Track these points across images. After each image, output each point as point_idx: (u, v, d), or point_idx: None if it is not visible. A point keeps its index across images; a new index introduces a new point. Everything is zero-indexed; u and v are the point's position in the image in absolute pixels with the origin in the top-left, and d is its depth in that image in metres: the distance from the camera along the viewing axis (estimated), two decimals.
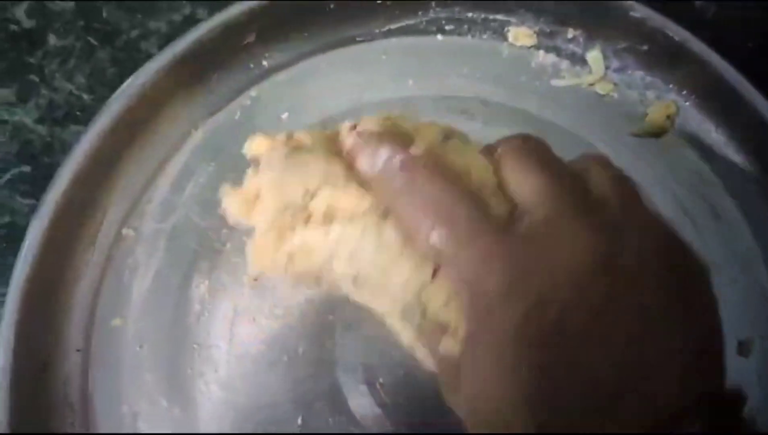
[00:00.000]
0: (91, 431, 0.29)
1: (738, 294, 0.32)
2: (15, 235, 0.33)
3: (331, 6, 0.34)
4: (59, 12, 0.38)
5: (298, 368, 0.30)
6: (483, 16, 0.35)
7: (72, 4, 0.38)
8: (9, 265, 0.29)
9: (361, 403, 0.30)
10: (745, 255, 0.33)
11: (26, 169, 0.35)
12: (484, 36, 0.35)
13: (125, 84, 0.32)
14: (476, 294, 0.19)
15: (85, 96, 0.37)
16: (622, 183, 0.21)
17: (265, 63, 0.34)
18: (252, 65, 0.35)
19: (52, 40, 0.38)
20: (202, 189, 0.33)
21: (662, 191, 0.34)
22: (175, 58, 0.32)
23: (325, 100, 0.35)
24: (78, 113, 0.36)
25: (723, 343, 0.21)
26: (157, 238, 0.32)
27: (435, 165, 0.20)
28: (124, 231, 0.32)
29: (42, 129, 0.36)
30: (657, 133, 0.34)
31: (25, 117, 0.36)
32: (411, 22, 0.35)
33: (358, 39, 0.35)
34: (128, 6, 0.39)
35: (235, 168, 0.33)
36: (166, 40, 0.37)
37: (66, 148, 0.34)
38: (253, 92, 0.35)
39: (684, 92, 0.34)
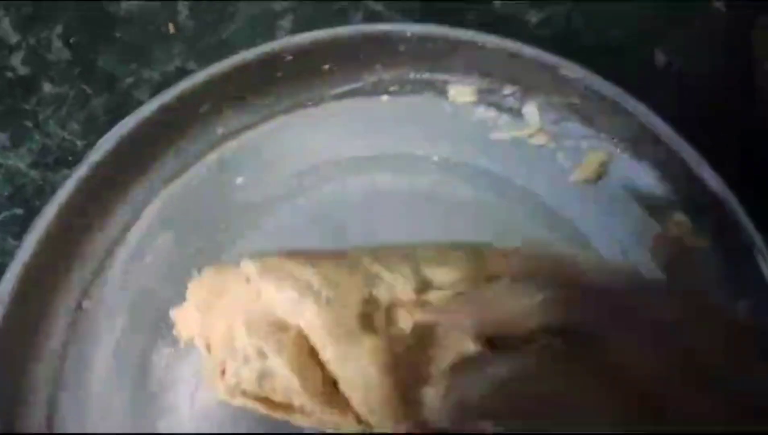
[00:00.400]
0: None
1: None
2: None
3: (279, 74, 0.36)
4: (55, 61, 0.41)
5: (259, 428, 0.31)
6: (425, 76, 0.37)
7: (68, 53, 0.41)
8: None
9: None
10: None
11: (18, 211, 0.38)
12: (427, 94, 0.37)
13: (85, 159, 0.33)
14: None
15: (78, 142, 0.39)
16: None
17: (219, 130, 0.36)
18: (207, 132, 0.36)
19: (47, 87, 0.40)
20: (160, 258, 0.34)
21: (606, 236, 0.35)
22: (132, 129, 0.34)
23: (279, 164, 0.36)
24: (70, 158, 0.39)
25: None
26: (119, 306, 0.33)
27: None
28: (85, 303, 0.33)
29: (35, 173, 0.38)
30: (593, 179, 0.36)
31: (19, 161, 0.39)
32: (357, 85, 0.37)
33: (307, 104, 0.37)
34: (123, 55, 0.41)
35: (192, 236, 0.35)
36: (158, 88, 0.39)
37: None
38: (209, 158, 0.36)
39: (615, 140, 0.36)
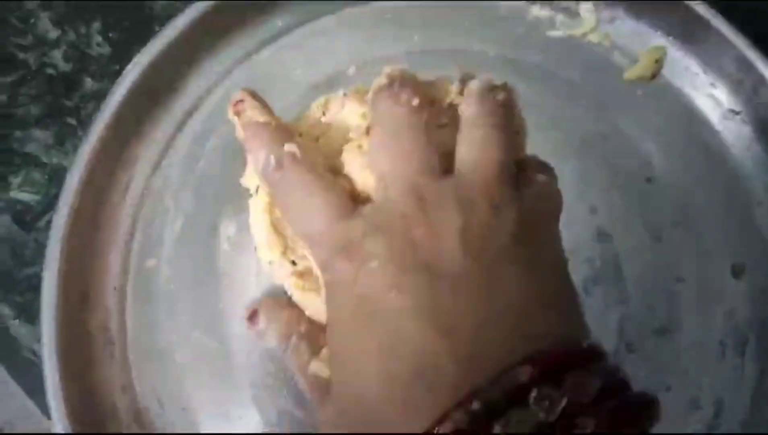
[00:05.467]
0: (130, 359, 0.31)
1: (730, 218, 0.34)
2: None
3: None
4: (95, 56, 0.39)
5: None
6: None
7: (108, 49, 0.39)
8: None
9: None
10: (733, 184, 0.35)
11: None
12: None
13: (145, 48, 0.34)
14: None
15: None
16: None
17: (279, 22, 0.37)
18: (265, 26, 0.37)
19: (88, 83, 0.39)
20: (223, 141, 0.35)
21: (654, 135, 0.36)
22: (194, 19, 0.34)
23: (334, 58, 0.37)
24: None
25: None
26: (184, 186, 0.34)
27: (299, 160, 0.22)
28: (153, 179, 0.34)
29: None
30: (647, 77, 0.36)
31: (64, 159, 0.37)
32: None
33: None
34: None
35: None
36: None
37: None
38: (266, 52, 0.37)
39: (671, 38, 0.36)
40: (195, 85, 0.35)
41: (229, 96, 0.36)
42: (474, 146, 0.22)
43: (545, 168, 0.24)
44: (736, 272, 0.34)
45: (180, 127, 0.35)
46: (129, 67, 0.33)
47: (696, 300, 0.33)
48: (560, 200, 0.24)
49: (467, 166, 0.21)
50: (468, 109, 0.23)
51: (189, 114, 0.35)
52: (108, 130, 0.32)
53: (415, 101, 0.22)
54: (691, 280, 0.33)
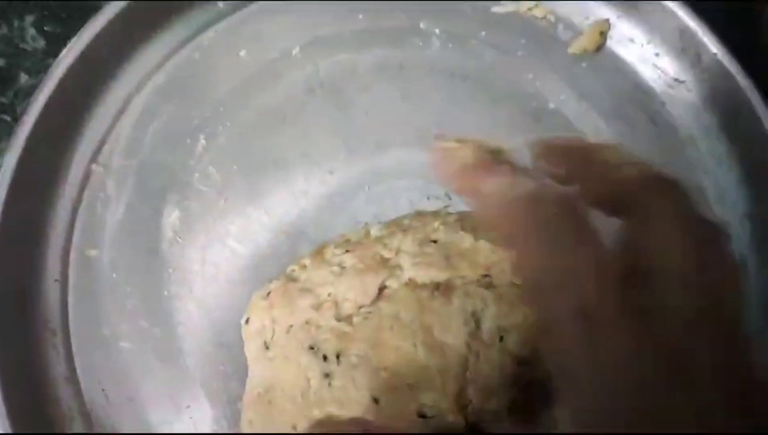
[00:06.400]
0: (74, 351, 0.30)
1: None
2: None
3: None
4: (30, 51, 0.38)
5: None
6: None
7: (43, 42, 0.38)
8: None
9: None
10: (680, 152, 0.35)
11: None
12: None
13: (84, 29, 0.33)
14: None
15: None
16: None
17: (221, 4, 0.36)
18: (207, 6, 0.36)
19: (23, 78, 0.38)
20: (165, 126, 0.34)
21: (601, 106, 0.36)
22: (133, 2, 0.34)
23: (280, 37, 0.36)
24: None
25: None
26: (126, 172, 0.33)
27: None
28: (94, 167, 0.33)
29: None
30: (592, 49, 0.36)
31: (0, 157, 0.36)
32: None
33: None
34: None
35: (197, 105, 0.35)
36: None
37: None
38: (210, 33, 0.36)
39: (614, 9, 0.36)
40: (135, 70, 0.35)
41: (171, 79, 0.35)
42: None
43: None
44: None
45: (120, 114, 0.34)
46: (63, 53, 0.32)
47: None
48: None
49: None
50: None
51: (129, 100, 0.34)
52: (41, 121, 0.31)
53: None
54: None
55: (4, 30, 0.38)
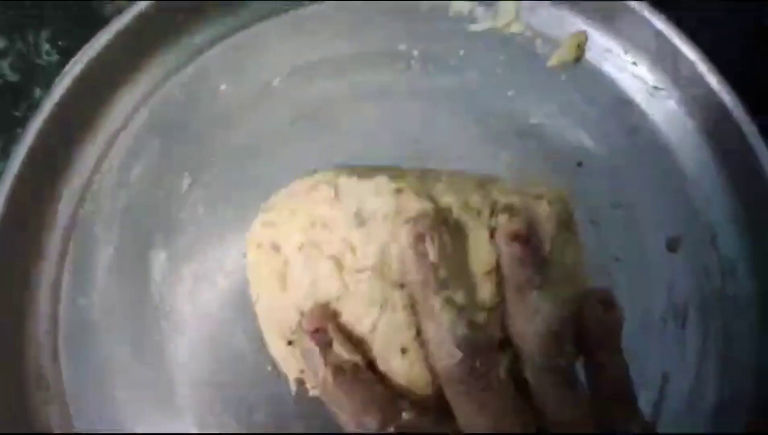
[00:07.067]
0: (69, 407, 0.30)
1: (662, 195, 0.35)
2: None
3: None
4: (44, 65, 0.38)
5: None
6: None
7: (56, 57, 0.38)
8: None
9: None
10: (662, 160, 0.35)
11: None
12: None
13: (64, 72, 0.33)
14: None
15: None
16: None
17: (197, 39, 0.36)
18: (185, 43, 0.36)
19: (37, 93, 0.38)
20: (150, 165, 0.34)
21: (582, 119, 0.36)
22: (111, 40, 0.33)
23: (260, 68, 0.36)
24: None
25: None
26: (112, 215, 0.33)
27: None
28: (81, 211, 0.33)
29: None
30: (570, 61, 0.36)
31: None
32: None
33: (285, 8, 0.37)
34: None
35: (180, 143, 0.35)
36: None
37: None
38: (189, 69, 0.36)
39: (590, 21, 0.36)
40: (115, 112, 0.34)
41: (153, 116, 0.35)
42: None
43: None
44: (672, 246, 0.34)
45: (103, 156, 0.34)
46: (46, 97, 0.32)
47: (634, 278, 0.33)
48: None
49: None
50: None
51: (111, 141, 0.34)
52: (28, 164, 0.31)
53: None
54: (628, 259, 0.34)
55: (20, 45, 0.39)
